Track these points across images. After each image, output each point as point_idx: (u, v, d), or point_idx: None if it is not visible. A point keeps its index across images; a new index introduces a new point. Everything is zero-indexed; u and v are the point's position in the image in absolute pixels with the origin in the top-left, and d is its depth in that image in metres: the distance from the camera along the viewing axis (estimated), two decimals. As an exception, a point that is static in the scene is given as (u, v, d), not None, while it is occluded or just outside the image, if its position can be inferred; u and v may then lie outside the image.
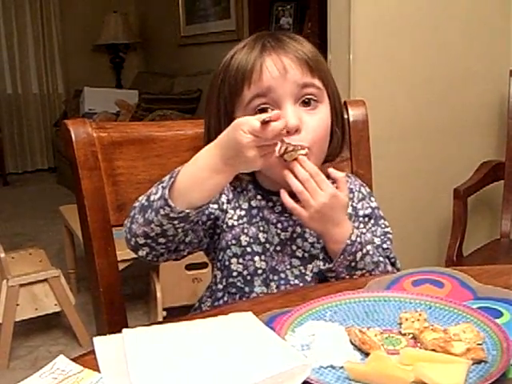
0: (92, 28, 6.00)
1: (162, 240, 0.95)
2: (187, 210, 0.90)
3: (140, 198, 0.97)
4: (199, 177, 0.90)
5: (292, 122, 0.97)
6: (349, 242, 0.99)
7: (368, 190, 1.15)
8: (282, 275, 1.05)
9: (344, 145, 1.11)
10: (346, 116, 1.21)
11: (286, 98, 0.99)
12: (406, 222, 2.26)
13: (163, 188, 0.91)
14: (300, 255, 1.06)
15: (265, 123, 0.86)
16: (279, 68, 0.99)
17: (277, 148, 0.93)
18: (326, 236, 1.01)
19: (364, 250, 1.01)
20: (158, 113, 4.32)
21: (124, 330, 0.77)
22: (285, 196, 0.98)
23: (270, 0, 4.02)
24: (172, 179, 0.90)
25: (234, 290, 1.05)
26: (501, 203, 2.37)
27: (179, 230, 0.94)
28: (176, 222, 0.91)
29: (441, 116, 2.35)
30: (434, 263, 2.28)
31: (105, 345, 0.76)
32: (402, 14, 2.21)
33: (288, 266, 1.06)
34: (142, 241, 0.96)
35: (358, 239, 1.01)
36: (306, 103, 1.01)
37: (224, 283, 1.06)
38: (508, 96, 2.34)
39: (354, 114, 1.25)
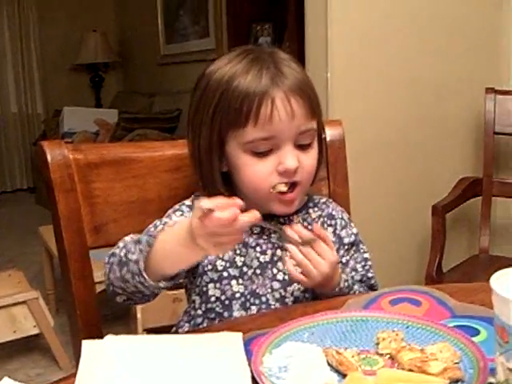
0: (71, 47, 5.99)
1: (138, 295, 0.95)
2: (160, 284, 0.90)
3: (120, 245, 0.95)
4: (169, 248, 0.88)
5: (291, 165, 0.99)
6: (337, 290, 1.02)
7: (347, 215, 1.16)
8: (263, 299, 1.04)
9: (321, 164, 1.12)
10: (323, 135, 1.21)
11: (286, 142, 1.00)
12: (384, 240, 2.27)
13: (140, 251, 0.89)
14: (281, 278, 1.06)
15: (210, 211, 0.78)
16: (288, 111, 0.98)
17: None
18: (318, 288, 1.02)
19: (351, 292, 1.05)
20: (138, 132, 4.31)
21: (106, 337, 0.82)
22: (290, 267, 0.99)
23: (248, 19, 4.05)
24: (148, 248, 0.89)
25: (213, 315, 1.04)
26: (479, 219, 2.38)
27: (155, 291, 0.94)
28: (151, 288, 0.91)
29: (419, 133, 2.37)
30: (414, 280, 2.29)
31: (91, 350, 0.79)
32: (379, 32, 2.24)
33: (269, 290, 1.05)
34: (119, 290, 0.96)
35: (346, 283, 1.03)
36: (302, 145, 1.02)
37: (203, 308, 1.05)
38: (484, 113, 2.36)
39: (331, 133, 1.25)
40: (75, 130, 5.05)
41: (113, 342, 0.81)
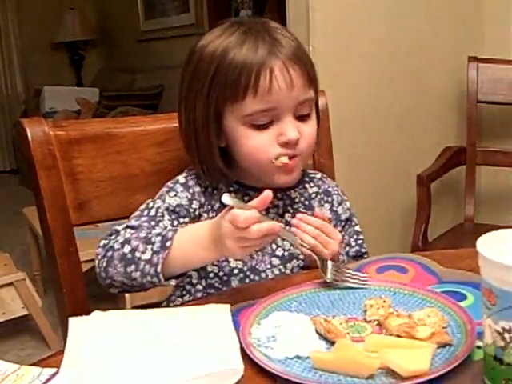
0: (49, 26, 5.89)
1: (138, 288, 0.96)
2: (172, 282, 0.93)
3: (119, 239, 0.94)
4: (189, 252, 0.90)
5: (293, 136, 0.98)
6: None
7: (341, 189, 1.16)
8: (263, 275, 1.04)
9: (318, 135, 1.11)
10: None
11: (286, 113, 0.98)
12: (370, 210, 2.27)
13: (154, 253, 0.89)
14: (280, 254, 1.06)
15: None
16: (287, 81, 0.96)
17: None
18: None
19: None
20: (120, 110, 4.27)
21: (93, 313, 0.82)
22: (303, 249, 0.98)
23: (229, -7, 4.00)
24: (165, 252, 0.89)
25: (212, 291, 1.04)
26: (464, 188, 2.40)
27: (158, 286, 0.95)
28: (159, 285, 0.93)
29: (402, 103, 2.37)
30: (400, 249, 2.30)
31: (78, 326, 0.79)
32: (361, 3, 2.22)
33: (268, 266, 1.05)
34: (117, 284, 0.96)
35: (342, 258, 1.05)
36: (301, 115, 1.01)
37: (204, 284, 1.04)
38: (467, 82, 2.36)
39: (314, 103, 1.24)
40: (56, 110, 5.00)
41: (100, 318, 0.81)
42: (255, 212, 0.83)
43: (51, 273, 1.12)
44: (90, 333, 0.77)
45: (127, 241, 0.93)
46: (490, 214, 2.48)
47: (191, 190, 1.04)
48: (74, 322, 0.79)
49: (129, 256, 0.92)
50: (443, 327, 0.74)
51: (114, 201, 1.12)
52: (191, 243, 0.90)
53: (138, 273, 0.91)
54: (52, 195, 1.06)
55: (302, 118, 1.01)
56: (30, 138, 1.05)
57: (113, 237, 0.96)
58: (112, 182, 1.12)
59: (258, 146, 0.99)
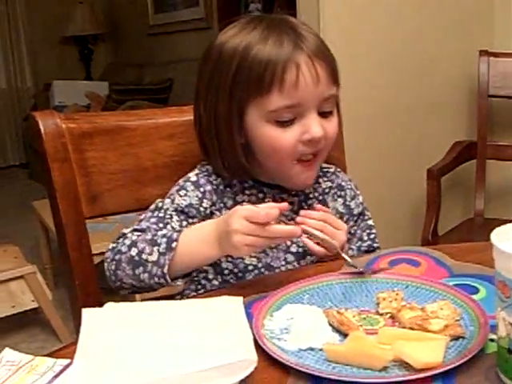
0: (59, 20, 5.90)
1: (147, 289, 0.97)
2: (178, 282, 0.94)
3: (126, 242, 0.95)
4: (195, 251, 0.92)
5: (317, 133, 0.97)
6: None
7: (354, 183, 1.16)
8: (277, 271, 1.04)
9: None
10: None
11: (310, 110, 0.97)
12: (380, 204, 2.26)
13: (161, 254, 0.91)
14: (294, 251, 1.05)
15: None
16: (313, 76, 0.95)
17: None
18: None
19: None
20: (129, 104, 4.27)
21: (106, 304, 0.82)
22: (310, 244, 0.98)
23: (238, -14, 3.99)
24: (172, 253, 0.90)
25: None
26: (474, 182, 2.39)
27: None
28: (166, 286, 0.94)
29: (412, 97, 2.36)
30: (410, 243, 2.28)
31: (92, 318, 0.79)
32: (371, -3, 2.21)
33: (283, 262, 1.05)
34: (127, 286, 0.97)
35: (351, 252, 1.05)
36: (325, 112, 1.00)
37: (220, 279, 1.04)
38: (477, 76, 2.35)
39: (325, 97, 1.24)
40: (66, 104, 5.01)
41: (113, 309, 0.81)
42: (276, 210, 0.85)
43: (63, 265, 1.12)
44: (103, 324, 0.78)
45: (134, 243, 0.94)
46: (500, 209, 2.47)
47: (202, 189, 1.04)
48: (87, 314, 0.80)
49: (136, 258, 0.93)
50: (456, 320, 0.74)
51: (126, 193, 1.13)
52: (196, 239, 0.92)
53: (146, 274, 0.92)
54: (64, 188, 1.07)
55: (324, 115, 0.99)
56: (42, 131, 1.06)
57: (120, 240, 0.97)
58: (124, 175, 1.13)
59: (283, 144, 0.98)
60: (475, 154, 2.37)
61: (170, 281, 0.91)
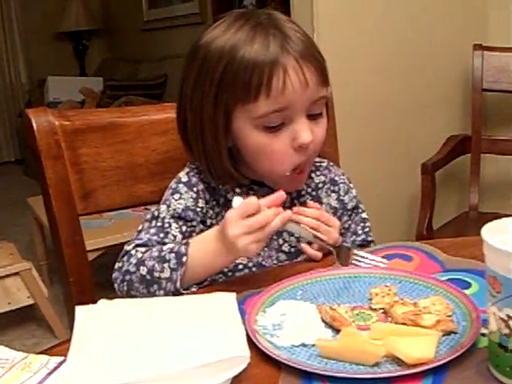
0: (53, 16, 5.88)
1: None
2: (193, 289, 0.93)
3: (132, 261, 0.93)
4: (204, 260, 0.91)
5: (306, 140, 0.95)
6: None
7: (346, 176, 1.15)
8: (270, 269, 1.03)
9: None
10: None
11: (299, 114, 0.95)
12: (374, 199, 2.27)
13: (172, 270, 0.90)
14: (286, 250, 1.05)
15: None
16: (301, 80, 0.93)
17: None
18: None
19: None
20: (124, 99, 4.27)
21: (100, 301, 0.82)
22: (307, 248, 0.98)
23: (232, -19, 3.98)
24: (183, 268, 0.90)
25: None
26: (468, 176, 2.39)
27: None
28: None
29: (406, 91, 2.36)
30: (404, 238, 2.29)
31: (85, 315, 0.79)
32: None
33: (275, 261, 1.04)
34: None
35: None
36: (314, 114, 0.99)
37: (209, 279, 1.03)
38: (472, 70, 2.35)
39: (318, 92, 1.24)
40: (60, 100, 5.00)
41: (106, 306, 0.81)
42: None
43: (57, 262, 1.12)
44: (97, 321, 0.78)
45: (141, 262, 0.93)
46: (495, 203, 2.48)
47: (195, 189, 1.02)
48: (80, 311, 0.80)
49: (148, 277, 0.91)
50: (448, 315, 0.75)
51: (120, 190, 1.13)
52: (204, 253, 0.91)
53: (162, 291, 0.91)
54: (57, 185, 1.07)
55: (313, 117, 0.98)
56: (35, 128, 1.06)
57: (125, 258, 0.95)
58: (117, 172, 1.13)
59: (276, 154, 0.96)
60: (469, 149, 2.38)
61: (184, 293, 0.90)
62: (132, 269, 0.93)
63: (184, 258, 0.90)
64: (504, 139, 2.38)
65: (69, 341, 0.75)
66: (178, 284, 0.90)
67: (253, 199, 0.86)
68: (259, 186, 1.05)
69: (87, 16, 5.87)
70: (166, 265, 0.90)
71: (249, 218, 0.85)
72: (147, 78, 4.72)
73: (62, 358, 0.72)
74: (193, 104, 0.99)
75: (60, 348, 0.76)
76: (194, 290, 0.93)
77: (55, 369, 0.71)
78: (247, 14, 1.00)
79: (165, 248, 0.93)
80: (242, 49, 0.93)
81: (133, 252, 0.95)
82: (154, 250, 0.93)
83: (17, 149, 6.10)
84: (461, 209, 2.47)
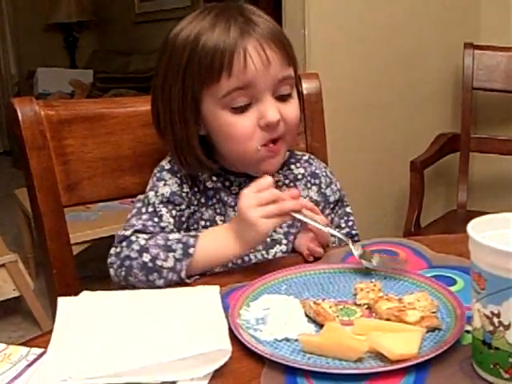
0: (43, 7, 5.84)
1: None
2: (196, 277, 0.92)
3: (134, 247, 0.92)
4: (212, 253, 0.92)
5: (273, 117, 0.96)
6: None
7: (330, 170, 1.15)
8: (246, 258, 1.03)
9: (300, 120, 1.10)
10: (300, 89, 1.20)
11: (265, 93, 0.96)
12: (363, 196, 2.28)
13: (177, 260, 0.90)
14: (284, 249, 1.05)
15: None
16: (263, 59, 0.94)
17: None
18: None
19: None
20: (114, 92, 4.25)
21: (82, 293, 0.82)
22: (317, 249, 0.96)
23: (224, -25, 3.96)
24: (189, 259, 0.90)
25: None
26: (457, 175, 2.40)
27: None
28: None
29: (397, 89, 2.36)
30: (392, 235, 2.29)
31: (67, 306, 0.79)
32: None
33: (251, 250, 1.03)
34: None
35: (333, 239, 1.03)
36: (282, 95, 0.99)
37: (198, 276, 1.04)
38: (462, 68, 2.35)
39: (307, 87, 1.24)
40: (50, 91, 4.97)
41: (88, 298, 0.81)
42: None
43: (41, 254, 1.11)
44: (79, 313, 0.77)
45: (145, 249, 0.92)
46: (483, 201, 2.48)
47: (178, 175, 1.03)
48: (62, 302, 0.79)
49: (150, 265, 0.91)
50: (433, 312, 0.74)
51: (105, 181, 1.12)
52: (214, 245, 0.92)
53: (162, 280, 0.91)
54: (42, 176, 1.06)
55: (282, 98, 0.99)
56: (20, 118, 1.04)
57: (124, 244, 0.94)
58: (103, 163, 1.12)
59: (242, 132, 0.97)
60: (459, 147, 2.38)
61: (186, 281, 0.91)
62: (134, 255, 0.92)
63: (191, 250, 0.90)
64: (493, 138, 2.38)
65: (50, 332, 0.74)
66: (183, 274, 0.90)
67: (267, 177, 0.91)
68: (235, 177, 1.05)
69: (78, 7, 5.82)
70: (170, 254, 0.90)
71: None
72: (138, 70, 4.70)
73: (41, 350, 0.71)
74: (164, 95, 1.01)
75: (41, 339, 0.76)
76: (196, 277, 0.92)
77: (35, 360, 0.70)
78: (215, 5, 1.02)
79: (171, 237, 0.93)
80: (204, 35, 0.96)
81: (133, 238, 0.94)
82: (159, 237, 0.93)
83: (5, 140, 6.06)
84: (449, 207, 2.47)
